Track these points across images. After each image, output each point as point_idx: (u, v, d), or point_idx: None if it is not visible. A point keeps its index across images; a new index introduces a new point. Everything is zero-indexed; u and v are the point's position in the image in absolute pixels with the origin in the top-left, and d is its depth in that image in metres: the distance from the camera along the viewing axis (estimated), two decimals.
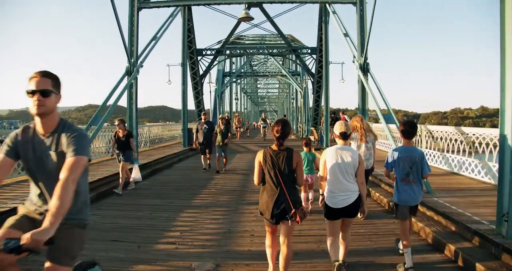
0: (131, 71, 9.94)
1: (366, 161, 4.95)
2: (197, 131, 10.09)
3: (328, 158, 3.35)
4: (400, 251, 3.76)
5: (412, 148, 3.65)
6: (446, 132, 8.73)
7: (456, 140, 8.18)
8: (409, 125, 3.65)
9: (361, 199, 3.31)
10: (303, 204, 3.64)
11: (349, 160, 3.29)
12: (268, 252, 3.30)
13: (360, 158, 3.38)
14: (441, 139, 8.92)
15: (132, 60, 10.07)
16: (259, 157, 3.18)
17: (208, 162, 10.24)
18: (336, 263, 3.24)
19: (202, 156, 10.31)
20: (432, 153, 9.29)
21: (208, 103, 21.36)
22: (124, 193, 7.33)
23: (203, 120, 10.09)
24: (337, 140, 3.45)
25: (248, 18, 11.22)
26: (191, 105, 18.74)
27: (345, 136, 3.40)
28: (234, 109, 36.82)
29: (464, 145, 7.88)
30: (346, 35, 11.16)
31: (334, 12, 12.20)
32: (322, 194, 3.46)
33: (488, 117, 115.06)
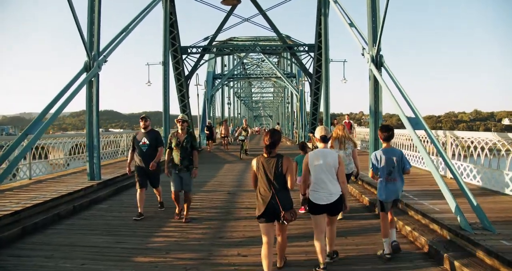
0: (91, 67, 8.07)
1: (346, 165, 5.14)
2: (132, 148, 6.00)
3: (310, 160, 3.58)
4: (385, 256, 3.84)
5: (391, 149, 4.02)
6: (484, 139, 6.93)
7: (499, 150, 6.40)
8: (386, 129, 3.97)
9: (343, 198, 3.58)
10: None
11: (329, 161, 3.54)
12: (264, 263, 3.33)
13: (339, 159, 3.59)
14: (475, 148, 7.12)
15: (93, 53, 8.20)
16: (253, 164, 3.47)
17: (157, 202, 6.35)
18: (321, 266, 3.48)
19: (138, 192, 5.84)
20: (463, 165, 7.49)
21: (195, 108, 19.45)
22: (68, 223, 5.46)
23: (142, 131, 5.93)
24: (318, 143, 3.71)
25: (233, 2, 9.49)
26: (176, 110, 17.06)
27: (325, 139, 3.66)
28: (226, 115, 35.08)
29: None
30: (351, 25, 9.41)
31: (335, 1, 10.53)
32: (304, 194, 3.65)
33: (481, 120, 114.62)
